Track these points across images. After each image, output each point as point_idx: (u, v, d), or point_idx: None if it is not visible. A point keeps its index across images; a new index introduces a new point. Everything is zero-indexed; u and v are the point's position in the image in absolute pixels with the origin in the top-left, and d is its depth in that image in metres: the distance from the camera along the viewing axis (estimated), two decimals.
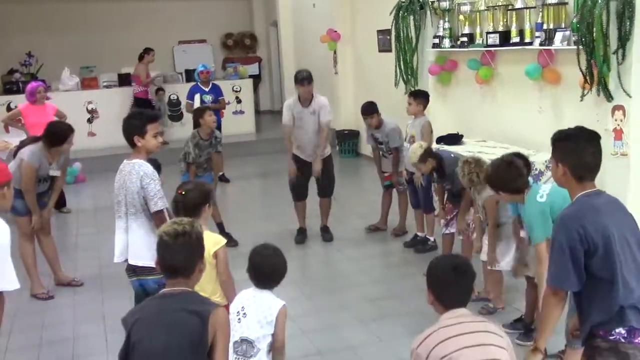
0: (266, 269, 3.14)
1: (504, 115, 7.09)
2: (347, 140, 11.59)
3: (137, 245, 3.88)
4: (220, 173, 8.87)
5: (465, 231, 5.33)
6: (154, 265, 3.30)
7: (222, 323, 2.44)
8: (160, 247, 2.46)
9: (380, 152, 6.78)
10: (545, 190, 3.87)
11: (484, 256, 4.86)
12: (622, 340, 2.66)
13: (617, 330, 2.66)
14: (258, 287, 3.15)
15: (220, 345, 2.40)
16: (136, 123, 3.90)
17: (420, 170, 5.66)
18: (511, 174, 3.93)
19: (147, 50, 11.41)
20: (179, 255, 2.44)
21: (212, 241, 3.42)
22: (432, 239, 6.34)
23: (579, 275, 2.66)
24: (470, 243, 5.30)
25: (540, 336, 2.88)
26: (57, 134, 5.50)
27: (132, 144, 3.91)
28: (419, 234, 6.49)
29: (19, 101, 9.63)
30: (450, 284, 2.55)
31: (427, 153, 5.49)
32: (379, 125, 6.58)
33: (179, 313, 2.39)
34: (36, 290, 5.69)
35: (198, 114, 6.80)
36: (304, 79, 6.40)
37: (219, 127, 9.58)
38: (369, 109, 6.57)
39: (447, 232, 5.65)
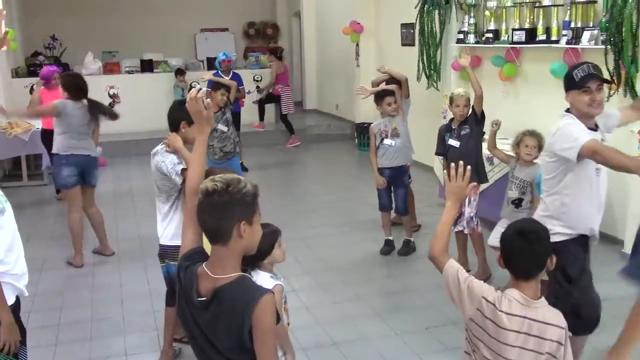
0: None
1: (527, 114, 7.02)
2: (366, 133, 11.54)
3: (170, 226, 3.97)
4: (240, 162, 8.89)
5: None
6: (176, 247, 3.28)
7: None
8: (197, 206, 2.23)
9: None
10: None
11: (494, 241, 4.79)
12: None
13: None
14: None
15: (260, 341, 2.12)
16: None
17: (460, 107, 5.64)
18: None
19: None
20: (207, 215, 2.17)
21: None
22: (412, 239, 6.26)
23: None
24: (478, 235, 5.40)
25: (626, 343, 2.57)
26: (79, 85, 6.05)
27: (177, 129, 3.93)
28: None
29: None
30: (516, 251, 2.34)
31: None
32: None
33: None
34: (77, 262, 6.02)
35: (213, 87, 6.93)
36: (595, 74, 3.52)
37: (238, 116, 9.67)
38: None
39: (456, 230, 5.60)
